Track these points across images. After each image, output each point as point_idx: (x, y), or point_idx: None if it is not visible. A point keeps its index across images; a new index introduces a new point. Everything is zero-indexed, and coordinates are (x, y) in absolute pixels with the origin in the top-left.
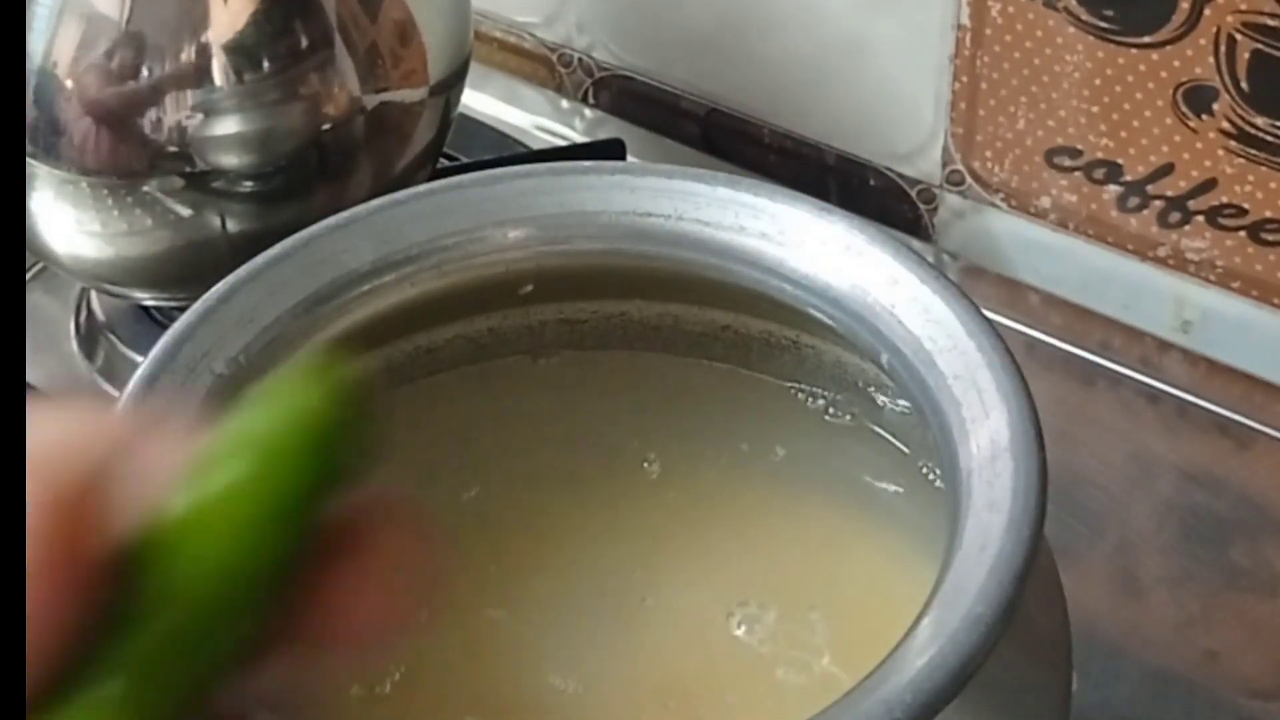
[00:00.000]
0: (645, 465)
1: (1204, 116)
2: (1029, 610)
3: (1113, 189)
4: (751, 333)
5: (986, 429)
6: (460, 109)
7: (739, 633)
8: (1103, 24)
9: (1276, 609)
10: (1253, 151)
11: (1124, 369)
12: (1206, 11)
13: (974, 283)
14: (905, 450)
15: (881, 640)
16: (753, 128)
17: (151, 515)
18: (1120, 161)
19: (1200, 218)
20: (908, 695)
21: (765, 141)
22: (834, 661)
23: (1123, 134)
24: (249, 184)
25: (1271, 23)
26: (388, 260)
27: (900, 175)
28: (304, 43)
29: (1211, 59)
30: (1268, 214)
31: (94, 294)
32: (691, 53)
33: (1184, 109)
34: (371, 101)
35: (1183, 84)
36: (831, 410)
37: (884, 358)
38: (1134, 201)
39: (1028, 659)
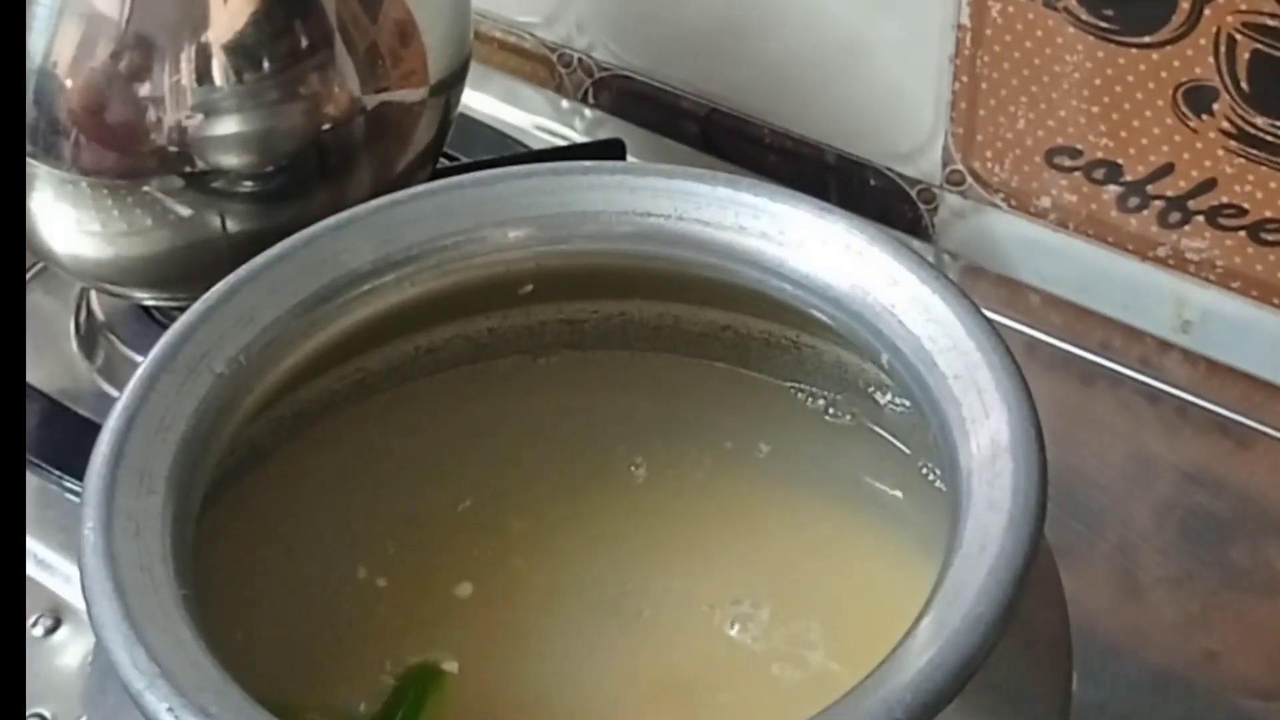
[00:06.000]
0: (633, 469)
1: (1204, 116)
2: (1029, 610)
3: (1113, 189)
4: (751, 333)
5: (986, 429)
6: (460, 109)
7: (733, 633)
8: (1103, 24)
9: (1276, 609)
10: (1253, 151)
11: (1124, 369)
12: (1206, 11)
13: (974, 283)
14: (905, 450)
15: (881, 640)
16: (753, 128)
17: None
18: (1120, 161)
19: (1200, 218)
20: (908, 695)
21: (765, 141)
22: (833, 661)
23: (1123, 134)
24: (249, 184)
25: (1271, 23)
26: (388, 260)
27: (900, 175)
28: (304, 43)
29: (1211, 59)
30: (1268, 214)
31: (94, 294)
32: (691, 53)
33: (1184, 109)
34: (371, 101)
35: (1183, 84)
36: (831, 410)
37: (884, 358)
38: (1134, 201)
39: (1028, 659)
